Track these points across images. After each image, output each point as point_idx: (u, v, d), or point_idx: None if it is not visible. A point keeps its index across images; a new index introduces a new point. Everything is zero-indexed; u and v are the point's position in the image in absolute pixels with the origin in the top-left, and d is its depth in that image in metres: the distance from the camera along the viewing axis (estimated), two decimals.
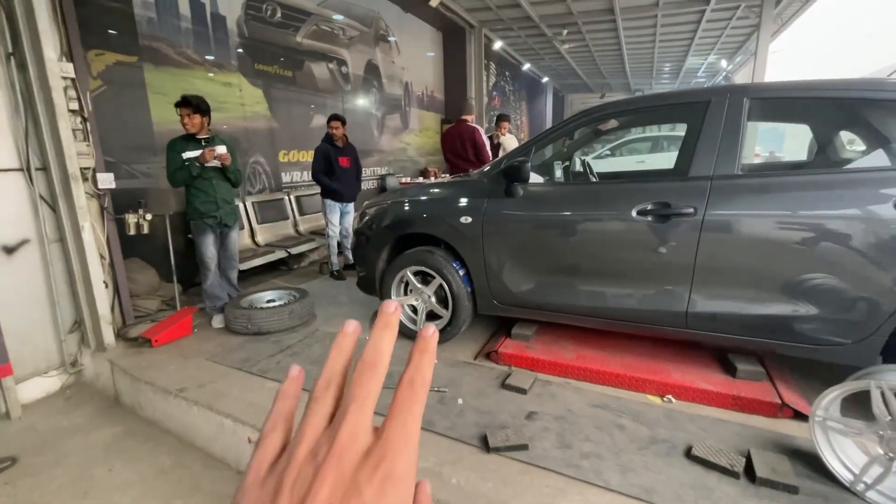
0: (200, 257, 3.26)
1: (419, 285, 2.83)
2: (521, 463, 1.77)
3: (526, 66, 12.94)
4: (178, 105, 3.04)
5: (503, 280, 2.55)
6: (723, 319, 2.09)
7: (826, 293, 1.89)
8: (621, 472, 1.69)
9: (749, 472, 1.65)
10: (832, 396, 1.60)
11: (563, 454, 1.80)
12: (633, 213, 2.17)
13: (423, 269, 2.77)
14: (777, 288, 1.97)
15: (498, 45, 10.07)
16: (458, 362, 2.62)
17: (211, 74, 4.35)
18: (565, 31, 8.94)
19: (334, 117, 4.10)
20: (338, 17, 6.11)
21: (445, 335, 2.79)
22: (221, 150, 3.11)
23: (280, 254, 4.35)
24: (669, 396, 2.18)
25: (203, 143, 3.11)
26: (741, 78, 12.38)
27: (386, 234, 2.93)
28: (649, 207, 2.15)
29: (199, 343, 3.02)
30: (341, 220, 4.33)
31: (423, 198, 2.89)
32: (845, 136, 1.96)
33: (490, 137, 5.11)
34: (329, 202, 4.23)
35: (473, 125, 4.71)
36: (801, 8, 7.32)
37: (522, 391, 2.25)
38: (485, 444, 1.85)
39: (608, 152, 9.25)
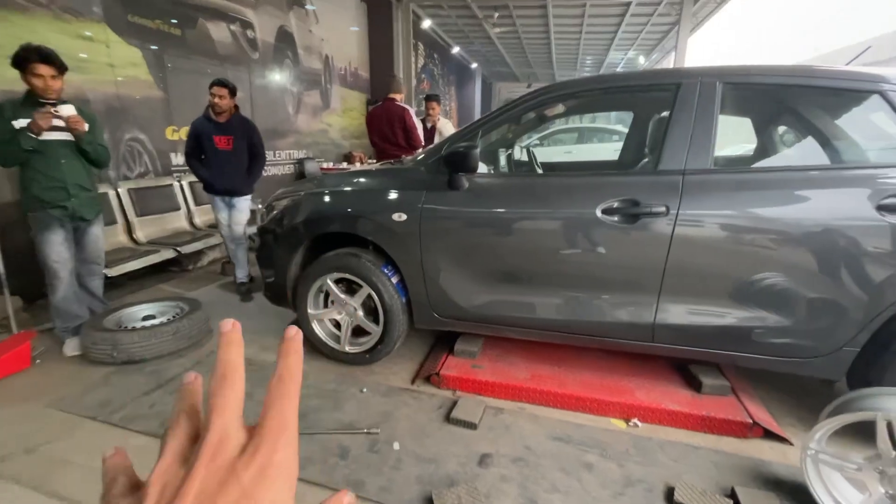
0: (44, 261, 2.45)
1: (342, 296, 2.32)
2: None
3: (455, 50, 12.53)
4: (27, 60, 2.21)
5: (445, 289, 2.14)
6: (693, 332, 1.86)
7: (805, 301, 1.71)
8: None
9: None
10: (827, 428, 1.40)
11: None
12: (598, 213, 1.85)
13: (347, 276, 2.26)
14: (754, 296, 1.76)
15: (427, 23, 9.55)
16: (393, 389, 2.17)
17: (63, 23, 3.36)
18: (496, 14, 8.66)
19: (217, 83, 3.04)
20: None
21: (376, 354, 2.32)
22: (67, 110, 2.31)
23: (167, 253, 3.54)
24: (635, 420, 1.93)
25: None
26: None
27: (299, 233, 2.37)
28: (616, 205, 1.84)
29: (39, 381, 2.25)
30: (230, 217, 3.30)
31: (347, 189, 2.36)
32: (835, 131, 1.79)
33: (423, 120, 4.62)
34: (211, 196, 3.28)
35: (403, 105, 4.19)
36: (716, 8, 7.70)
37: (472, 426, 1.87)
38: None
39: (537, 142, 9.22)
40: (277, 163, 6.08)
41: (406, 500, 1.50)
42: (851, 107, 1.86)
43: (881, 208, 1.59)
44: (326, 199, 2.36)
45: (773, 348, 1.80)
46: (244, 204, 3.32)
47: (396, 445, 1.76)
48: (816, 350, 1.75)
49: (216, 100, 3.05)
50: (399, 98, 4.30)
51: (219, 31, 4.88)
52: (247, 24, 5.31)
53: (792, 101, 1.94)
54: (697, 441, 1.82)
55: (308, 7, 6.58)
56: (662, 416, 1.91)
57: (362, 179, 2.43)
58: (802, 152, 2.02)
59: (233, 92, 3.10)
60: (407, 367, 2.40)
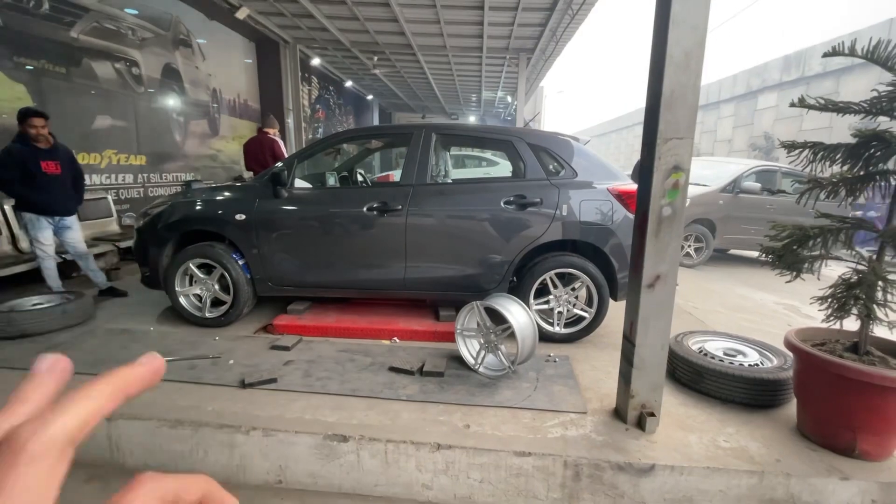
0: None
1: (202, 276, 3.22)
2: (269, 391, 2.39)
3: (348, 84, 13.72)
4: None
5: (275, 266, 3.16)
6: (426, 281, 3.08)
7: (483, 257, 3.01)
8: (340, 384, 2.45)
9: (422, 370, 2.58)
10: (462, 315, 2.65)
11: (304, 381, 2.49)
12: (364, 210, 3.03)
13: (206, 261, 3.18)
14: (456, 257, 3.03)
15: (316, 61, 10.61)
16: (238, 337, 3.11)
17: None
18: (375, 58, 9.99)
19: (31, 112, 3.27)
20: (129, 12, 5.87)
21: (229, 317, 3.24)
22: None
23: None
24: (395, 338, 3.08)
25: None
26: (526, 111, 15.41)
27: (169, 232, 3.24)
28: (375, 205, 3.03)
29: None
30: (61, 237, 3.63)
31: (205, 198, 3.30)
32: (497, 158, 3.17)
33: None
34: (31, 216, 3.46)
35: (274, 137, 5.21)
36: (546, 63, 9.77)
37: (286, 348, 2.88)
38: (242, 384, 2.42)
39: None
40: (163, 184, 6.65)
41: (228, 380, 2.47)
42: (500, 147, 3.27)
43: (505, 203, 2.95)
44: (189, 205, 3.28)
45: (474, 287, 3.07)
46: (76, 222, 3.70)
47: (231, 361, 2.71)
48: (494, 283, 3.05)
49: (38, 130, 3.29)
50: (272, 132, 5.31)
51: (103, 69, 5.50)
52: (132, 63, 5.96)
53: (475, 144, 3.32)
54: (429, 345, 3.01)
55: (194, 43, 7.31)
56: (412, 334, 3.09)
57: (217, 192, 3.38)
58: (478, 171, 3.40)
59: (46, 118, 3.34)
60: (255, 324, 3.35)
